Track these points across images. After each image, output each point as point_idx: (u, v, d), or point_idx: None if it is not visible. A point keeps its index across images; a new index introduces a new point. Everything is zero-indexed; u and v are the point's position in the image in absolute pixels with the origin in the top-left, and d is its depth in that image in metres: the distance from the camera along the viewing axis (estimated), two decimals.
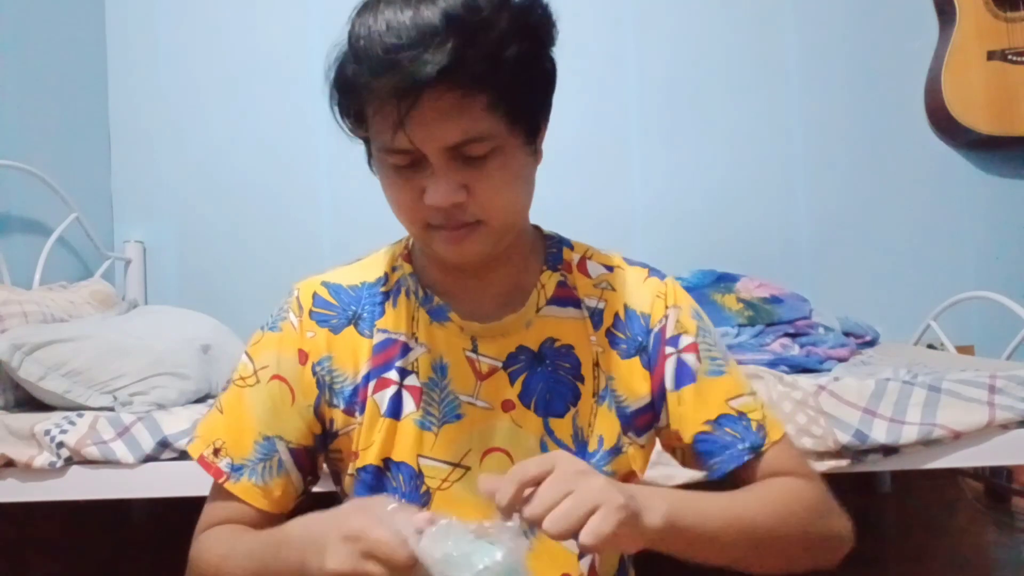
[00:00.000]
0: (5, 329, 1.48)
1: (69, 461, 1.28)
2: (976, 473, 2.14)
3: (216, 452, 0.78)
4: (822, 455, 1.27)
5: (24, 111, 2.01)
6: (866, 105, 2.41)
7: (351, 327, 0.80)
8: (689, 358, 0.79)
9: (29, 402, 1.45)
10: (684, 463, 0.83)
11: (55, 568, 1.77)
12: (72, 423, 1.29)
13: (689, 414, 0.79)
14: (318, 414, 0.80)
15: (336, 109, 0.73)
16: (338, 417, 0.79)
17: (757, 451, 0.78)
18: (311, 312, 0.80)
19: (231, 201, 2.41)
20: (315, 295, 0.81)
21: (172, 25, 2.42)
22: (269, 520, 0.78)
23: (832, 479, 1.34)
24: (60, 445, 1.26)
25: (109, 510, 1.53)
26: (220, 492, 0.79)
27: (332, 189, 2.41)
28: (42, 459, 1.26)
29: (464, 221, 0.70)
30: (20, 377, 1.39)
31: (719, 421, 0.78)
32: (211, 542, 0.77)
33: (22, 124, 2.00)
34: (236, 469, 0.78)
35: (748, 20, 2.43)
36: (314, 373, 0.79)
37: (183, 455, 1.27)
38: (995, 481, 2.12)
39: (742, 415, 0.78)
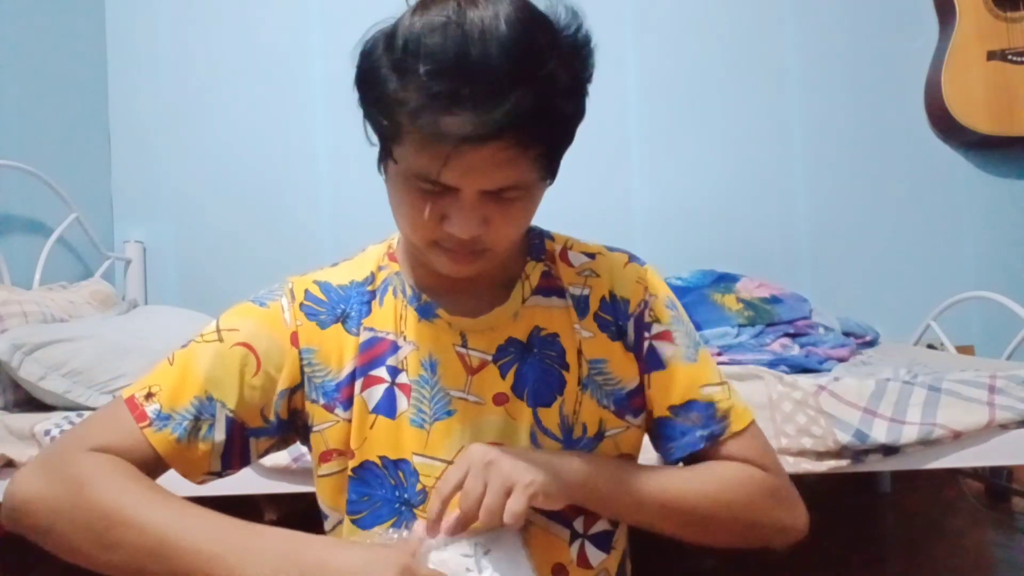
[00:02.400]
0: (5, 329, 1.48)
1: None
2: (976, 473, 2.14)
3: (148, 396, 0.74)
4: (822, 455, 1.27)
5: (24, 111, 2.01)
6: (866, 105, 2.41)
7: (339, 324, 0.80)
8: (660, 345, 0.81)
9: (29, 402, 1.45)
10: (655, 448, 0.86)
11: (56, 568, 1.76)
12: (72, 423, 1.29)
13: (655, 398, 0.81)
14: (291, 401, 0.78)
15: (361, 106, 0.70)
16: (317, 412, 0.78)
17: (715, 440, 0.79)
18: (301, 304, 0.80)
19: (231, 201, 2.41)
20: (307, 291, 0.81)
21: (172, 25, 2.43)
22: (160, 474, 0.74)
23: (832, 479, 1.35)
24: None
25: None
26: (130, 434, 0.73)
27: (332, 189, 2.41)
28: None
29: (474, 250, 0.71)
30: (20, 377, 1.39)
31: (686, 406, 0.80)
32: (108, 466, 0.69)
33: (22, 124, 2.00)
34: (162, 418, 0.73)
35: (748, 20, 2.44)
36: (300, 360, 0.78)
37: None
38: (995, 481, 2.12)
39: (709, 403, 0.80)
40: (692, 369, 0.81)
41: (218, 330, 0.78)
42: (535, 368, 0.79)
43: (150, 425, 0.73)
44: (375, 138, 0.71)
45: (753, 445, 0.81)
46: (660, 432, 0.82)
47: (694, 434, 0.79)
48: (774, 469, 0.81)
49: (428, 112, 0.62)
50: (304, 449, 1.20)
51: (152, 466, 0.73)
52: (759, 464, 0.80)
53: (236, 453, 0.77)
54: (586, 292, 0.82)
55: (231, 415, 0.75)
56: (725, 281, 2.06)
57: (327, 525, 0.83)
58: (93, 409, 1.38)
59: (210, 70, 2.43)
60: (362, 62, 0.68)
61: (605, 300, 0.82)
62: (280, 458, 1.23)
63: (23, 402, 1.46)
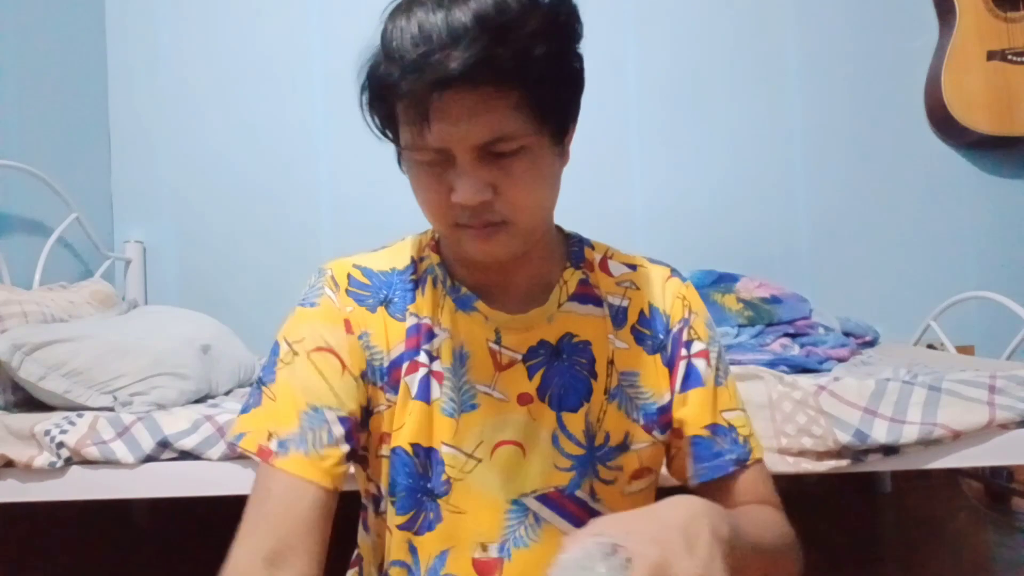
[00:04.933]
0: (5, 329, 1.48)
1: (69, 461, 1.28)
2: (976, 473, 2.14)
3: (269, 437, 0.73)
4: (822, 455, 1.27)
5: (24, 111, 2.01)
6: (866, 105, 2.41)
7: (383, 308, 0.80)
8: (699, 363, 0.83)
9: (29, 402, 1.45)
10: (673, 471, 0.86)
11: (55, 568, 1.77)
12: (72, 423, 1.29)
13: (691, 417, 0.82)
14: (366, 388, 0.79)
15: (366, 109, 0.73)
16: (375, 395, 0.79)
17: (742, 464, 0.81)
18: (347, 291, 0.80)
19: (231, 201, 2.41)
20: (349, 275, 0.81)
21: (172, 25, 2.43)
22: (326, 502, 0.72)
23: (832, 479, 1.35)
24: (60, 445, 1.26)
25: (109, 510, 1.53)
26: (278, 493, 0.70)
27: (332, 189, 2.41)
28: (42, 459, 1.27)
29: (491, 220, 0.71)
30: (20, 377, 1.39)
31: (717, 428, 0.82)
32: None
33: (22, 124, 2.00)
34: (282, 445, 0.72)
35: (748, 20, 2.44)
36: (360, 345, 0.78)
37: (183, 455, 1.28)
38: (995, 481, 2.12)
39: (732, 427, 0.82)
40: (723, 392, 0.83)
41: (290, 348, 0.77)
42: (563, 373, 0.80)
43: (276, 456, 0.72)
44: (390, 154, 0.73)
45: (768, 479, 0.84)
46: (691, 451, 0.82)
47: (724, 457, 0.81)
48: (781, 507, 0.82)
49: (405, 78, 0.65)
50: None
51: (316, 500, 0.70)
52: (775, 503, 0.82)
53: (356, 448, 0.77)
54: (625, 304, 0.83)
55: (342, 415, 0.74)
56: (725, 281, 2.06)
57: (380, 507, 0.81)
58: (93, 409, 1.38)
59: (210, 70, 2.43)
60: (367, 62, 0.71)
61: (644, 314, 0.83)
62: None
63: (23, 402, 1.46)
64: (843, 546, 1.86)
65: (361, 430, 0.78)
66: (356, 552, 0.89)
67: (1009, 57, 2.28)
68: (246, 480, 1.25)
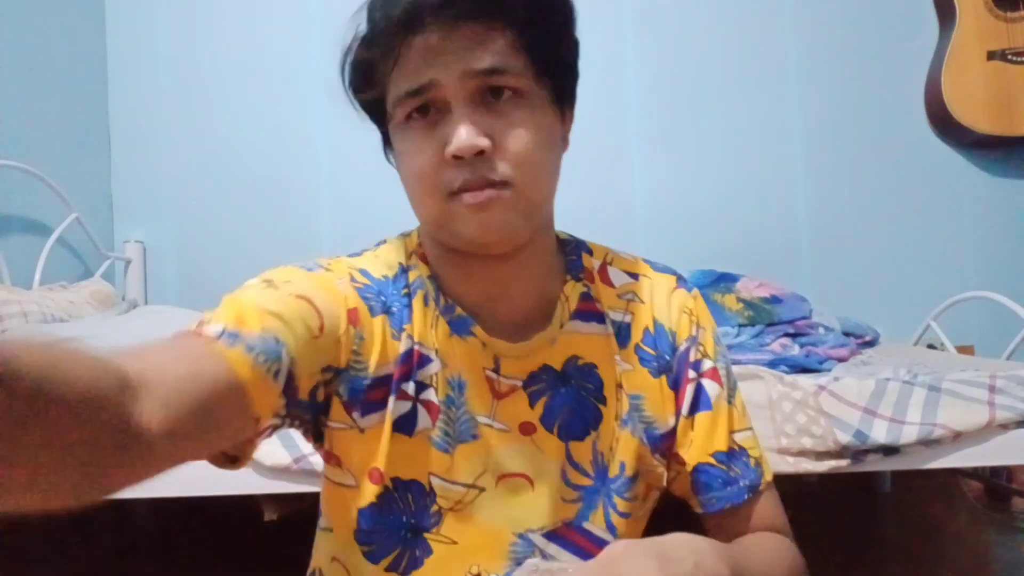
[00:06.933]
0: (5, 329, 1.48)
1: None
2: (976, 473, 2.14)
3: (201, 325, 0.61)
4: (822, 455, 1.27)
5: (24, 111, 2.01)
6: (866, 105, 2.41)
7: (383, 316, 0.70)
8: (708, 384, 0.77)
9: None
10: (674, 489, 0.80)
11: (55, 568, 1.77)
12: None
13: (697, 442, 0.76)
14: (329, 385, 0.68)
15: (349, 89, 0.72)
16: (335, 407, 0.69)
17: (755, 491, 0.76)
18: (352, 280, 0.70)
19: (231, 200, 2.41)
20: (351, 274, 0.72)
21: (172, 25, 2.42)
22: (235, 410, 0.57)
23: (832, 479, 1.35)
24: None
25: (109, 510, 1.53)
26: (192, 359, 0.56)
27: (332, 189, 2.41)
28: None
29: (490, 179, 0.64)
30: None
31: (730, 454, 0.76)
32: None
33: (22, 124, 2.00)
34: (231, 335, 0.58)
35: (748, 20, 2.44)
36: (352, 343, 0.68)
37: None
38: (995, 481, 2.12)
39: (743, 450, 0.77)
40: (734, 411, 0.77)
41: (268, 282, 0.67)
42: (569, 400, 0.73)
43: (219, 341, 0.58)
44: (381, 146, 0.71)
45: (777, 504, 0.79)
46: (698, 479, 0.76)
47: (737, 484, 0.76)
48: (791, 533, 0.78)
49: (389, 21, 0.64)
50: (306, 450, 1.19)
51: (229, 393, 0.56)
52: (784, 530, 0.78)
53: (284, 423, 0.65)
54: (627, 319, 0.76)
55: (291, 369, 0.61)
56: (725, 281, 2.06)
57: (319, 523, 0.77)
58: None
59: (210, 70, 2.43)
60: (344, 54, 0.72)
61: (648, 331, 0.76)
62: (280, 458, 1.23)
63: None
64: (843, 546, 1.86)
65: (305, 413, 0.67)
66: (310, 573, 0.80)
67: (1009, 57, 2.28)
68: (247, 480, 1.25)
